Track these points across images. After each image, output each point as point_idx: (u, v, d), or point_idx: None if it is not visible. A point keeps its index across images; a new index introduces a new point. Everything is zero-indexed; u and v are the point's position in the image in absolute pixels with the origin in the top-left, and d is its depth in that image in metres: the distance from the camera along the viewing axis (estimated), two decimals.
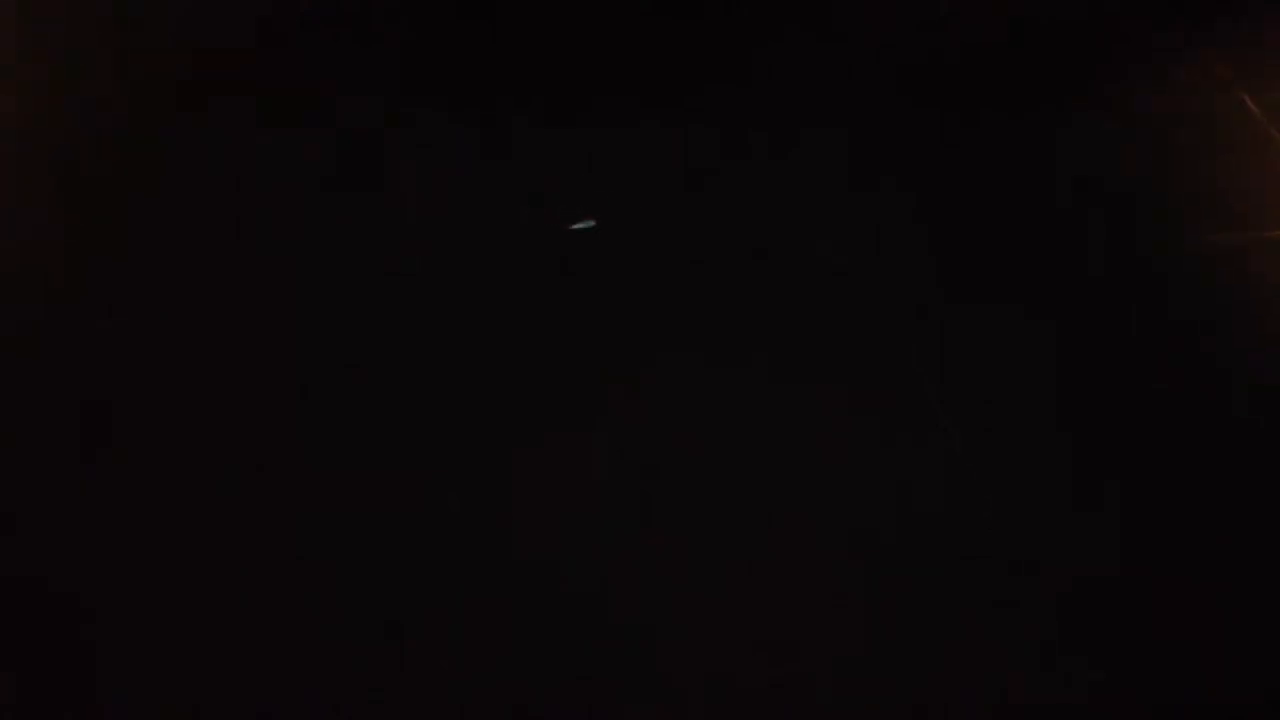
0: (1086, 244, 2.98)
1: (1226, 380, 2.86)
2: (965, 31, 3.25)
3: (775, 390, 2.84)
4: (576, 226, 2.70)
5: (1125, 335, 2.91)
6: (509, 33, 3.16)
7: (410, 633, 2.53)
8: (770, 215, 3.02)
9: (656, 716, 2.43)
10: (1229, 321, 2.94)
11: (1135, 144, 3.11)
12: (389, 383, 2.77)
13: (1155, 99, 3.16)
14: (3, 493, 2.63)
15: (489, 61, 3.14)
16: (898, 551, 2.65)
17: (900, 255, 2.98)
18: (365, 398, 2.75)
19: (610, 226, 2.99)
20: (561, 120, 3.09)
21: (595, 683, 2.48)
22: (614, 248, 2.97)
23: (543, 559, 2.61)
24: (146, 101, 3.03)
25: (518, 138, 3.07)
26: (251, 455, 2.69)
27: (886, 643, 2.55)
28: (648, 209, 3.00)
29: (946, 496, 2.72)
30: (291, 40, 3.15)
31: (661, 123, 3.08)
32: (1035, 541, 2.68)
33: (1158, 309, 2.93)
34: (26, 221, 2.90)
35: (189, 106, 3.03)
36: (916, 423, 2.80)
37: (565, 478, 2.69)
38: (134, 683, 2.45)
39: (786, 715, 2.43)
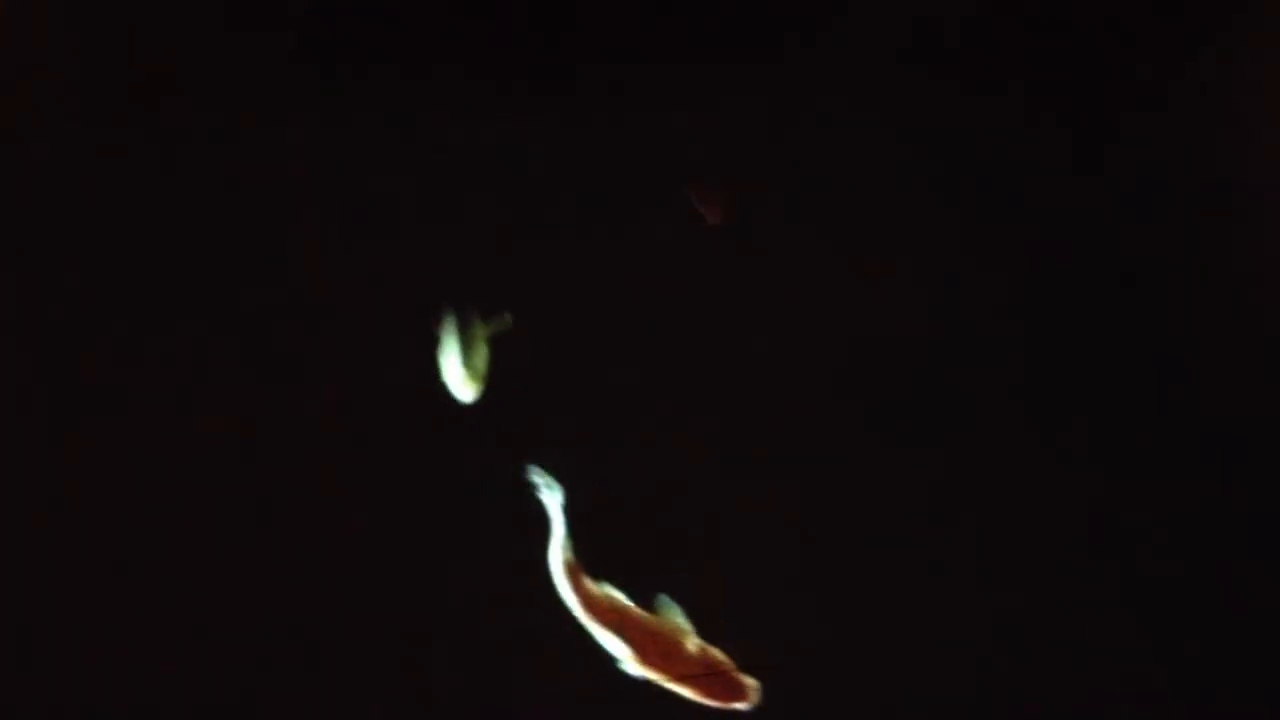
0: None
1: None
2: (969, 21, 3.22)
3: (770, 381, 2.84)
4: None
5: (1131, 327, 2.91)
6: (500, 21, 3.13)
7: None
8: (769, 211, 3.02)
9: None
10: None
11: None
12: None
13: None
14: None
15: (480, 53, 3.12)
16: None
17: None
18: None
19: (608, 218, 2.97)
20: (568, 105, 3.07)
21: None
22: (609, 234, 2.95)
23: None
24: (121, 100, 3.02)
25: (513, 129, 3.05)
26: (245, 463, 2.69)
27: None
28: (643, 200, 2.98)
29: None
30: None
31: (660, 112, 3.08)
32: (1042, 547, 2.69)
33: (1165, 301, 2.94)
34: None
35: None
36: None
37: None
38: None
39: None
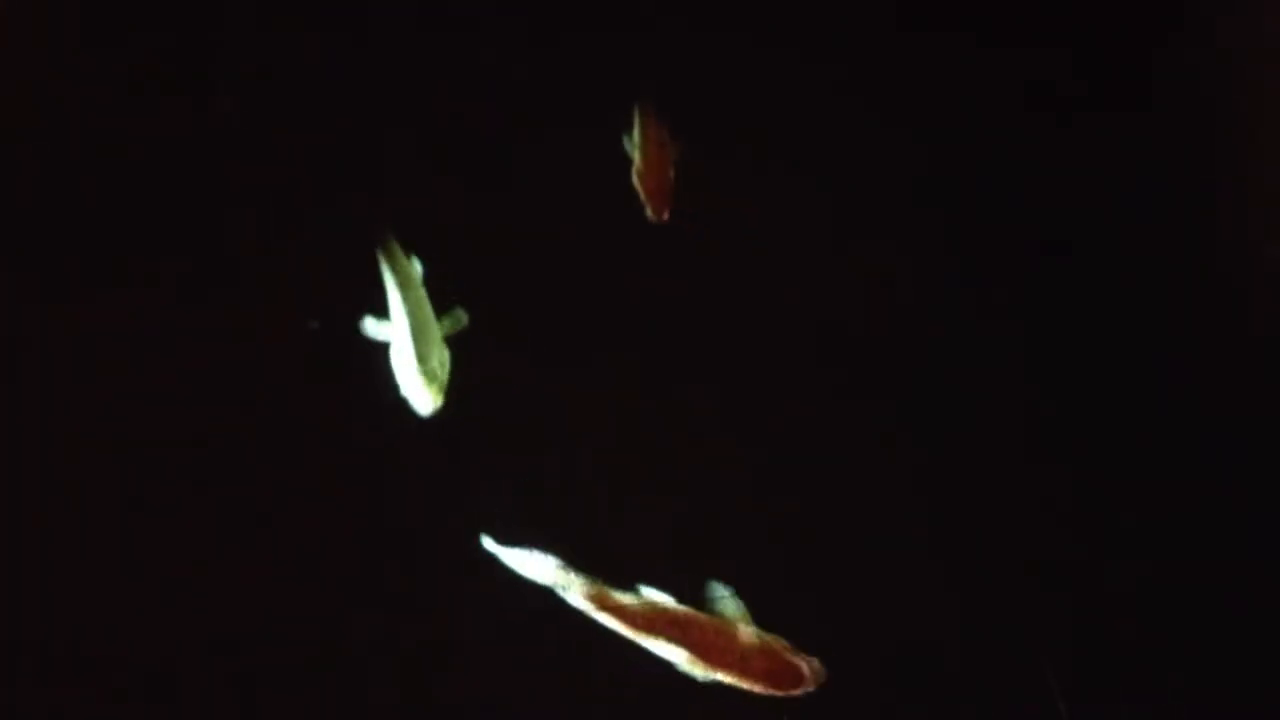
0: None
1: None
2: None
3: (770, 381, 2.84)
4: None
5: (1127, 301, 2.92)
6: None
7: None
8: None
9: None
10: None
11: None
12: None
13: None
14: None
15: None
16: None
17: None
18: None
19: (608, 218, 2.98)
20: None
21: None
22: (610, 235, 2.96)
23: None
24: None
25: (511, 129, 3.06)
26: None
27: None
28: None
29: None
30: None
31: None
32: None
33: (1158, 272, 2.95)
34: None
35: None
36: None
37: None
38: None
39: None
